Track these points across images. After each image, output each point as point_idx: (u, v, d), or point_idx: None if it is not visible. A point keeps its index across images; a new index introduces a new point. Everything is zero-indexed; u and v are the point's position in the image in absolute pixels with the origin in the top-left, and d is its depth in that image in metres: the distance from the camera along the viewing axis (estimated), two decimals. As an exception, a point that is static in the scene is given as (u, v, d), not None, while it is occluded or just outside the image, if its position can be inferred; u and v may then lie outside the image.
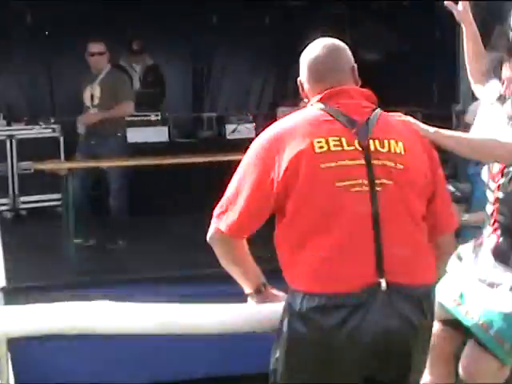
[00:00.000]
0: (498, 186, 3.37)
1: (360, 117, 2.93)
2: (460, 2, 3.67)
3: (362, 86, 3.08)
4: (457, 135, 3.25)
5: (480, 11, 4.11)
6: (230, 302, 3.13)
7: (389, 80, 10.61)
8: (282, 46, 11.37)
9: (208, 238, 3.00)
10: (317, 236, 2.83)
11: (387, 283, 2.78)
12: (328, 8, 10.94)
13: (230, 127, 10.20)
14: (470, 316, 3.36)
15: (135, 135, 9.72)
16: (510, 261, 3.31)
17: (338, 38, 3.12)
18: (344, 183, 2.82)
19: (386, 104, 11.16)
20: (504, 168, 3.34)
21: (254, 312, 3.07)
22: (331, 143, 2.85)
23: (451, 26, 9.48)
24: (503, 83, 3.43)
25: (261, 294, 3.06)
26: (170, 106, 10.82)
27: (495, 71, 3.51)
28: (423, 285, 2.89)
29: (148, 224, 8.79)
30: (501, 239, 3.36)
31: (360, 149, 2.87)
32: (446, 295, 3.47)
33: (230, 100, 11.98)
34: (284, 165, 2.84)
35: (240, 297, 3.12)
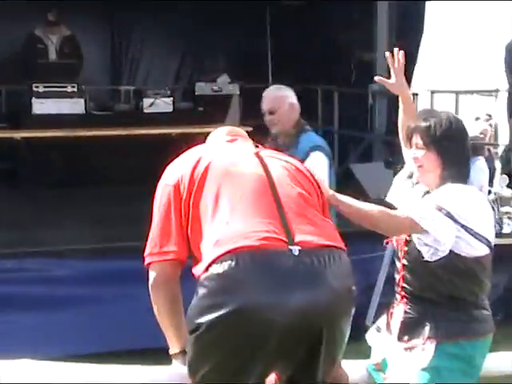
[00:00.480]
0: (404, 254, 3.41)
1: (252, 144, 3.23)
2: (392, 75, 3.56)
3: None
4: (350, 201, 3.26)
5: None
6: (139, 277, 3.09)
7: (307, 59, 10.69)
8: (201, 23, 11.31)
9: (150, 285, 3.00)
10: (220, 214, 2.87)
11: (299, 249, 2.77)
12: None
13: (147, 101, 10.13)
14: (388, 381, 3.41)
15: (50, 106, 9.60)
16: (418, 331, 3.31)
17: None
18: (237, 168, 2.97)
19: (307, 82, 11.29)
20: (409, 235, 3.37)
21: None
22: (222, 149, 3.11)
23: (368, 7, 9.67)
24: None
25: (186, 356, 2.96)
26: (87, 78, 10.67)
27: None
28: (336, 247, 2.88)
29: (61, 197, 8.68)
30: (408, 308, 3.39)
31: (251, 152, 3.10)
32: (371, 359, 3.51)
33: (148, 74, 11.88)
34: (185, 172, 2.99)
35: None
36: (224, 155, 3.06)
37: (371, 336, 3.57)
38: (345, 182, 3.26)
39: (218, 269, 2.73)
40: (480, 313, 3.35)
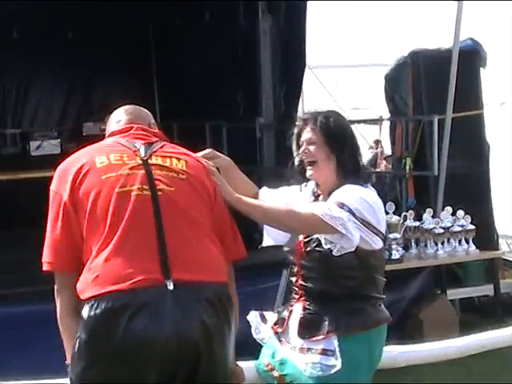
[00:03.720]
0: (301, 253, 3.46)
1: (144, 143, 3.19)
2: (208, 157, 3.52)
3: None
4: (255, 202, 3.35)
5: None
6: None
7: (194, 94, 10.73)
8: (85, 61, 11.25)
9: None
10: (101, 241, 2.90)
11: (175, 283, 2.83)
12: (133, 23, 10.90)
13: (34, 144, 9.99)
14: (283, 381, 3.45)
15: None
16: (318, 327, 3.38)
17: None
18: (124, 189, 2.97)
19: (195, 116, 11.29)
20: (306, 236, 3.44)
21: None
22: (112, 159, 3.06)
23: (252, 43, 9.79)
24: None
25: None
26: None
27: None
28: (214, 283, 2.94)
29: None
30: (307, 304, 3.45)
31: (140, 162, 3.07)
32: (261, 360, 3.55)
33: (35, 116, 11.71)
34: (68, 185, 3.00)
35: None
36: (112, 169, 3.03)
37: (262, 334, 3.61)
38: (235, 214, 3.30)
39: (95, 309, 2.79)
40: (377, 304, 3.46)
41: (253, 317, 3.69)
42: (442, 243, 7.60)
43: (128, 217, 2.92)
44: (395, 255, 7.27)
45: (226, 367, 2.99)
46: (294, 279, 3.52)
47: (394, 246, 7.22)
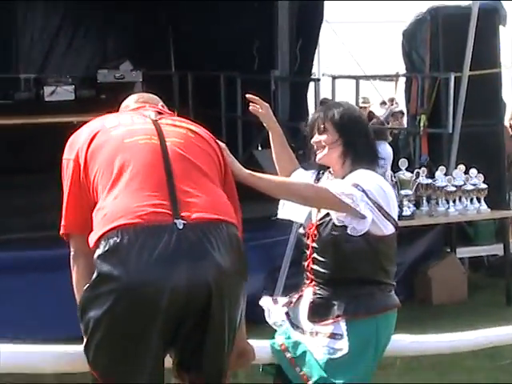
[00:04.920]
0: (313, 236, 3.47)
1: (155, 111, 3.22)
2: (261, 107, 3.64)
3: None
4: (269, 177, 3.34)
5: None
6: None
7: (209, 46, 10.68)
8: (99, 8, 11.18)
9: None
10: (110, 184, 2.90)
11: (184, 223, 2.79)
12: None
13: (48, 89, 9.98)
14: (294, 365, 3.45)
15: None
16: (327, 311, 3.40)
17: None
18: (132, 139, 2.98)
19: (210, 67, 11.25)
20: (320, 219, 3.44)
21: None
22: (122, 120, 3.11)
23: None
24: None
25: None
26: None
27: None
28: (225, 222, 2.89)
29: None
30: (317, 289, 3.46)
31: (150, 121, 3.09)
32: (276, 339, 3.54)
33: (49, 62, 11.68)
34: (79, 147, 3.01)
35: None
36: (122, 126, 3.06)
37: (275, 318, 3.63)
38: (248, 167, 3.29)
39: (105, 246, 2.77)
40: (386, 289, 3.46)
41: (265, 302, 3.69)
42: (454, 201, 7.58)
43: (137, 161, 2.92)
44: (406, 211, 7.26)
45: (235, 319, 2.93)
46: (305, 263, 3.53)
47: (405, 203, 7.21)
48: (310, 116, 3.59)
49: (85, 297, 2.83)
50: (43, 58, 11.60)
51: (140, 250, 2.73)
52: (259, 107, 3.65)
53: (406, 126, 11.19)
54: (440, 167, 7.69)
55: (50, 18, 11.58)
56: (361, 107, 10.60)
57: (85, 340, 2.85)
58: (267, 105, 3.70)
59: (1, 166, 9.15)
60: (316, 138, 3.49)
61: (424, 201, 7.57)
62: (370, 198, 3.30)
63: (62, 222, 3.05)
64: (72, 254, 3.04)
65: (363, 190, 3.30)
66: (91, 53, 11.89)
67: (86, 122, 3.17)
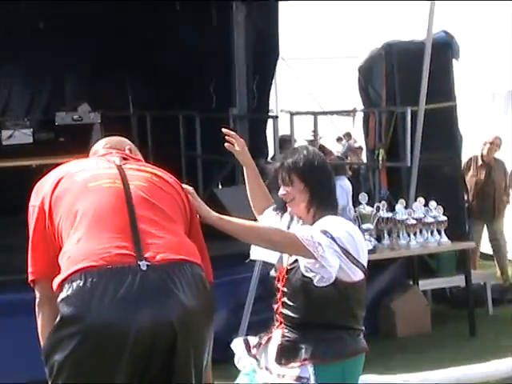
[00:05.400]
0: (284, 280, 3.48)
1: (121, 157, 3.24)
2: (236, 143, 3.72)
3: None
4: (237, 221, 3.36)
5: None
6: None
7: (167, 85, 10.70)
8: (58, 50, 11.17)
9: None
10: (74, 228, 2.91)
11: (148, 264, 2.79)
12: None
13: (6, 133, 9.92)
14: None
15: None
16: (295, 354, 3.41)
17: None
18: (96, 183, 3.00)
19: (169, 106, 11.21)
20: (291, 264, 3.46)
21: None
22: (87, 165, 3.14)
23: (225, 33, 9.78)
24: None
25: None
26: None
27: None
28: (188, 262, 2.89)
29: None
30: (286, 332, 3.48)
31: (114, 166, 3.12)
32: (240, 380, 3.57)
33: (6, 105, 11.61)
34: (43, 194, 3.04)
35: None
36: (86, 171, 3.08)
37: (244, 364, 3.62)
38: (210, 206, 3.29)
39: (68, 289, 2.76)
40: (355, 334, 3.47)
41: (237, 345, 3.68)
42: (415, 234, 7.62)
43: (99, 204, 2.93)
44: (368, 246, 7.28)
45: (202, 354, 2.92)
46: (275, 306, 3.54)
47: (366, 237, 7.23)
48: (273, 165, 3.60)
49: (48, 341, 2.82)
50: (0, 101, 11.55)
51: (103, 292, 2.73)
52: (235, 143, 3.70)
53: (364, 160, 11.27)
54: (400, 200, 7.74)
55: (5, 62, 11.53)
56: (311, 141, 10.66)
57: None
58: (243, 141, 3.74)
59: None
60: (283, 190, 3.51)
61: (385, 234, 7.60)
62: (338, 244, 3.32)
63: (30, 269, 3.05)
64: (37, 300, 3.04)
65: (332, 237, 3.32)
66: (49, 95, 11.85)
67: (45, 166, 3.17)
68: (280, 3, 10.10)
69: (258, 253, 3.71)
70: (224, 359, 3.59)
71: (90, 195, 2.96)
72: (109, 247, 2.81)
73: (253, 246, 3.71)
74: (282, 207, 3.60)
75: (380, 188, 9.00)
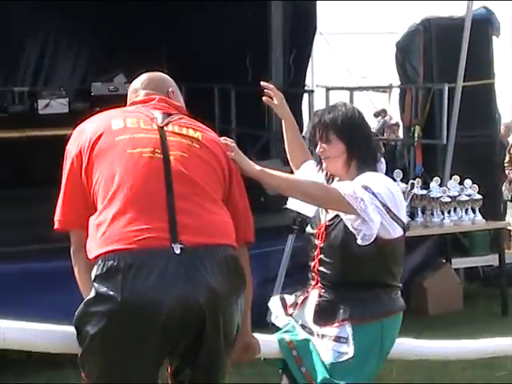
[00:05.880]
0: (322, 238, 3.48)
1: (163, 112, 3.16)
2: (275, 97, 3.73)
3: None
4: (279, 174, 3.33)
5: None
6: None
7: (203, 57, 10.69)
8: (95, 21, 11.20)
9: None
10: (109, 200, 2.89)
11: (181, 247, 2.80)
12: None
13: (42, 102, 9.97)
14: (300, 364, 3.47)
15: None
16: (333, 314, 3.41)
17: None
18: (135, 150, 2.95)
19: (204, 79, 11.27)
20: (330, 220, 3.45)
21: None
22: (128, 122, 3.05)
23: (263, 6, 9.74)
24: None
25: None
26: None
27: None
28: (221, 246, 2.90)
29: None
30: (323, 292, 3.47)
31: (156, 127, 3.05)
32: (283, 335, 3.54)
33: (44, 75, 11.68)
34: (82, 145, 3.01)
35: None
36: (127, 132, 3.01)
37: (281, 322, 3.63)
38: (244, 181, 3.29)
39: (102, 268, 2.79)
40: (392, 292, 3.47)
41: (274, 303, 3.69)
42: (449, 212, 7.58)
43: (137, 178, 2.90)
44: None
45: (231, 335, 2.96)
46: (312, 264, 3.53)
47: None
48: (311, 121, 3.58)
49: (82, 310, 2.85)
50: (38, 70, 11.62)
51: (136, 274, 2.75)
52: (273, 96, 3.70)
53: (400, 137, 11.21)
54: (434, 178, 7.70)
55: (44, 31, 11.59)
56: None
57: (80, 351, 2.87)
58: (281, 94, 3.74)
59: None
60: (320, 147, 3.48)
61: (419, 212, 7.57)
62: (379, 200, 3.30)
63: (57, 217, 3.04)
64: (72, 248, 3.05)
65: (373, 193, 3.29)
66: (85, 65, 11.90)
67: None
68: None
69: (294, 203, 3.69)
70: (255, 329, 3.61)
71: (129, 164, 2.93)
72: (144, 229, 2.81)
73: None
74: (319, 163, 3.59)
75: (415, 165, 8.95)
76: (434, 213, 7.57)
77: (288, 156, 3.84)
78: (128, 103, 3.32)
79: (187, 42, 11.09)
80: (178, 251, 2.80)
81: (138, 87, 3.31)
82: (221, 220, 2.98)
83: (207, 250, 2.85)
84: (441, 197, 7.51)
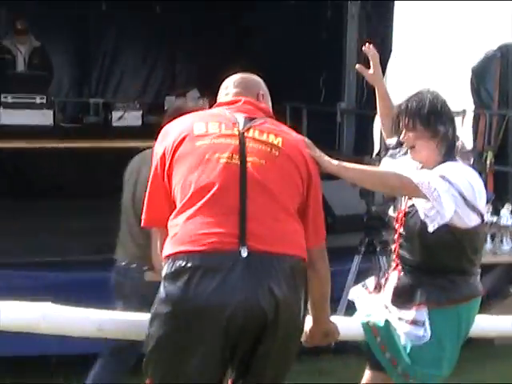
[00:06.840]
0: (401, 222, 3.50)
1: (246, 117, 3.16)
2: (371, 66, 3.90)
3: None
4: (357, 167, 3.38)
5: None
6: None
7: (277, 76, 10.72)
8: (171, 35, 11.33)
9: None
10: (185, 202, 2.97)
11: (249, 251, 2.85)
12: None
13: (116, 114, 10.11)
14: (384, 350, 3.53)
15: (18, 117, 9.53)
16: (411, 297, 3.48)
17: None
18: (214, 156, 3.01)
19: (276, 97, 11.26)
20: (409, 207, 3.50)
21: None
22: (210, 127, 3.09)
23: (338, 27, 9.75)
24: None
25: None
26: (56, 90, 10.64)
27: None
28: (289, 256, 2.94)
29: (27, 208, 8.61)
30: (402, 275, 3.53)
31: (237, 133, 3.08)
32: (366, 319, 3.60)
33: (118, 87, 11.84)
34: (165, 147, 3.09)
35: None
36: (208, 137, 3.06)
37: (358, 294, 3.68)
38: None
39: (171, 267, 2.88)
40: (470, 278, 3.53)
41: (354, 293, 3.81)
42: (519, 240, 7.47)
43: (214, 182, 2.96)
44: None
45: (291, 343, 2.99)
46: (393, 246, 3.61)
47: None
48: (396, 108, 3.61)
49: (152, 310, 2.95)
50: (113, 82, 11.78)
51: (202, 276, 2.82)
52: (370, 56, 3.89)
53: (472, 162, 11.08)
54: (506, 205, 7.59)
55: (121, 44, 11.76)
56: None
57: (146, 354, 2.97)
58: (377, 60, 3.93)
59: (71, 189, 9.27)
60: (405, 135, 3.50)
61: (488, 238, 7.47)
62: (456, 189, 3.34)
63: (144, 215, 3.15)
64: (152, 247, 3.30)
65: (449, 182, 3.34)
66: (160, 79, 12.03)
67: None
68: (396, 2, 10.00)
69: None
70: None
71: (206, 170, 2.98)
72: (214, 233, 2.88)
73: None
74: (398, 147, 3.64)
75: (486, 191, 8.83)
76: (504, 240, 7.46)
77: (380, 125, 4.01)
78: (217, 100, 3.36)
79: (262, 60, 11.14)
80: (244, 254, 2.85)
81: (229, 85, 3.35)
82: (291, 229, 3.02)
83: (273, 259, 2.90)
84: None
